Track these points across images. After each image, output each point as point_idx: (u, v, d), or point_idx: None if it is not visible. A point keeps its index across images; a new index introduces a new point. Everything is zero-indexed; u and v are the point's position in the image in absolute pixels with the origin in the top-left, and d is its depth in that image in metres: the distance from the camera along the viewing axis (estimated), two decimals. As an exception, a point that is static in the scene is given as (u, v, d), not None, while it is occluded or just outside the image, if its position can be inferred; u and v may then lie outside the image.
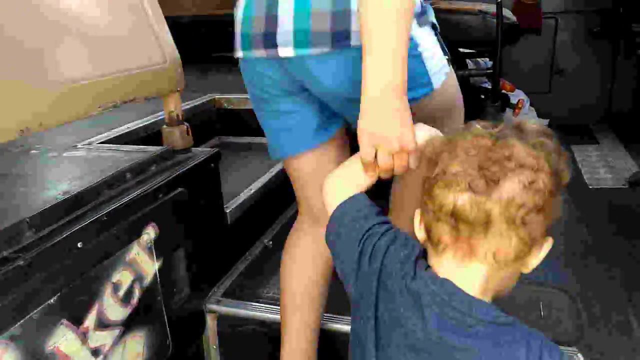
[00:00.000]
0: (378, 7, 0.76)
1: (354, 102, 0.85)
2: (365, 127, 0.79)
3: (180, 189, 1.21)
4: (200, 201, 1.32)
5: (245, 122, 2.17)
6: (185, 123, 1.36)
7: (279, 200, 1.88)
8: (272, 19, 0.92)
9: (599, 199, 1.84)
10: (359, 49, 0.81)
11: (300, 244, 1.16)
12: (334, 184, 0.81)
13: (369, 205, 0.77)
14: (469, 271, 0.63)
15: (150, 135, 1.67)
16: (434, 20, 1.07)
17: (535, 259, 0.64)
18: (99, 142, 1.49)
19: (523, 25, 2.22)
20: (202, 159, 1.33)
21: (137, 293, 1.04)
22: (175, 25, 1.37)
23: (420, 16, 1.00)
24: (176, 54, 1.33)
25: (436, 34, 1.06)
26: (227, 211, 1.47)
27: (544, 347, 0.61)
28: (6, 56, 0.91)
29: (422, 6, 1.00)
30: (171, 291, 1.17)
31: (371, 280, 0.70)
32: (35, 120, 0.92)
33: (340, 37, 0.92)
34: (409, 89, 0.90)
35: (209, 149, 1.40)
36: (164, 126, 1.35)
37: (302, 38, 0.92)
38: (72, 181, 1.11)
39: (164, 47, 1.29)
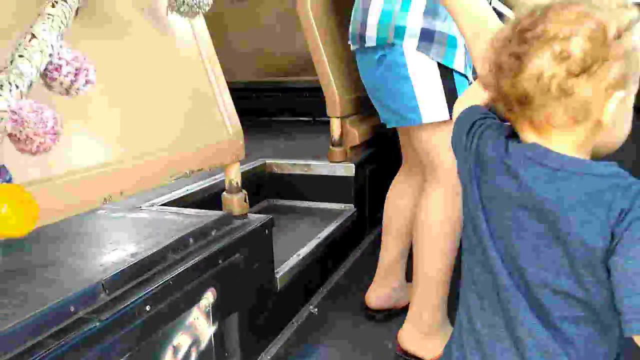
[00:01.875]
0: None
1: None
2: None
3: (237, 255, 1.27)
4: (254, 266, 1.36)
5: (293, 186, 2.25)
6: (243, 190, 1.43)
7: (325, 266, 1.91)
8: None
9: None
10: (373, 49, 1.30)
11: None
12: (461, 104, 0.90)
13: (483, 108, 0.85)
14: (544, 137, 0.69)
15: (208, 198, 1.75)
16: (454, 67, 1.27)
17: (606, 114, 0.65)
18: (161, 204, 1.58)
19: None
20: (258, 225, 1.39)
21: (193, 356, 1.08)
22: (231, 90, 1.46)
23: (421, 40, 1.25)
24: (239, 125, 1.43)
25: (449, 77, 1.27)
26: (277, 276, 1.51)
27: None
28: (92, 130, 1.01)
29: (423, 31, 1.24)
30: (223, 355, 1.20)
31: (471, 162, 0.78)
32: (117, 189, 1.00)
33: (362, 39, 1.34)
34: (399, 105, 1.33)
35: (264, 215, 1.46)
36: (224, 193, 1.42)
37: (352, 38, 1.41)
38: (138, 243, 1.18)
39: (229, 119, 1.39)
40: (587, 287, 0.66)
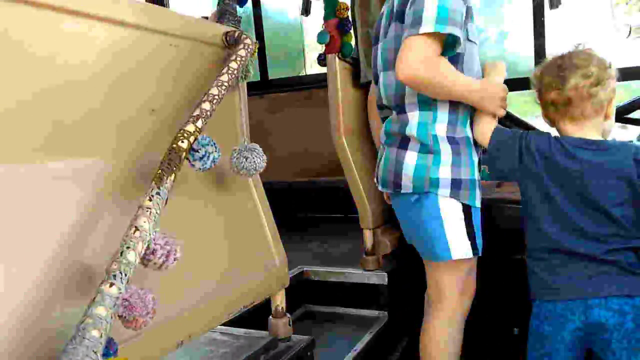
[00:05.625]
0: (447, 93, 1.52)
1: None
2: (484, 106, 1.54)
3: (283, 381, 1.41)
4: (297, 389, 1.49)
5: (329, 293, 2.40)
6: (288, 314, 1.59)
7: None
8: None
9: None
10: (408, 195, 1.55)
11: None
12: (484, 130, 1.55)
13: (508, 129, 1.55)
14: (578, 126, 1.40)
15: (253, 313, 1.90)
16: (476, 205, 1.57)
17: (610, 109, 1.39)
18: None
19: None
20: (301, 347, 1.53)
21: None
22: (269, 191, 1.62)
23: (452, 188, 1.54)
24: (284, 254, 1.60)
25: (469, 215, 1.56)
26: (318, 395, 1.62)
27: None
28: (166, 285, 1.20)
29: (453, 181, 1.54)
30: None
31: (533, 162, 1.44)
32: (187, 333, 1.18)
33: (397, 185, 1.59)
34: (432, 242, 1.58)
35: (306, 337, 1.59)
36: (271, 317, 1.58)
37: (382, 183, 1.66)
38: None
39: (276, 252, 1.57)
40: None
